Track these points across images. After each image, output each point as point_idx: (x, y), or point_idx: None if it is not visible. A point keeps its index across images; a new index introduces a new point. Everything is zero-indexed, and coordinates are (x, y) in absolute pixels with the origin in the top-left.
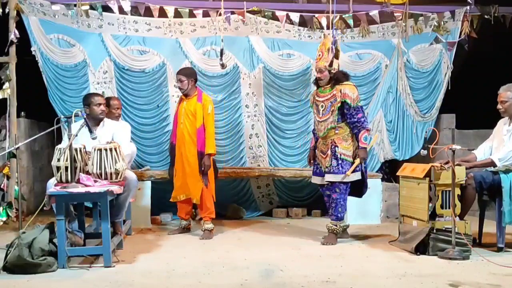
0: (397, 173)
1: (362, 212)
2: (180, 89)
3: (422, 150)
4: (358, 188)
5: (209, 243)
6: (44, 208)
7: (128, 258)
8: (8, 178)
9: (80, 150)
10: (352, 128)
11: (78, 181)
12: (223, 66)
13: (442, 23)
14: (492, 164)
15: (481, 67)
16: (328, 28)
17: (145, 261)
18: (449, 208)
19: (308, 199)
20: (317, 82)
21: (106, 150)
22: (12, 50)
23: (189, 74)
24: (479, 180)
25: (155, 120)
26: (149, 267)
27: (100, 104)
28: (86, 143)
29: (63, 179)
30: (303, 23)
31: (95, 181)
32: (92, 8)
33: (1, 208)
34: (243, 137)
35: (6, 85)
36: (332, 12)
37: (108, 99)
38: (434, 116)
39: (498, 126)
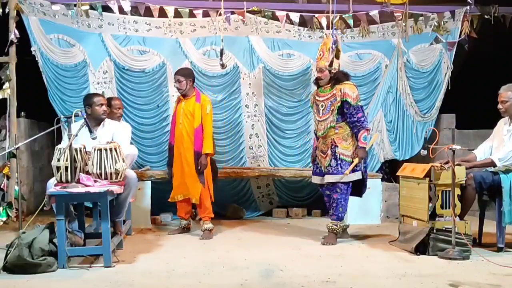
0: (397, 173)
1: (362, 212)
2: (178, 89)
3: (422, 150)
4: (358, 188)
5: (209, 243)
6: (44, 208)
7: (128, 258)
8: (8, 178)
9: (80, 150)
10: (352, 127)
11: (78, 181)
12: (223, 66)
13: (442, 23)
14: (492, 164)
15: (481, 67)
16: (328, 28)
17: (145, 261)
18: (449, 208)
19: (308, 199)
20: (317, 82)
21: (106, 150)
22: (12, 50)
23: (187, 74)
24: (479, 181)
25: (155, 120)
26: (149, 267)
27: (102, 105)
28: (86, 143)
29: (63, 179)
30: (303, 23)
31: (95, 181)
32: (92, 8)
33: (1, 208)
34: (243, 137)
35: (6, 85)
36: (332, 12)
37: (109, 99)
38: (434, 116)
39: (498, 126)
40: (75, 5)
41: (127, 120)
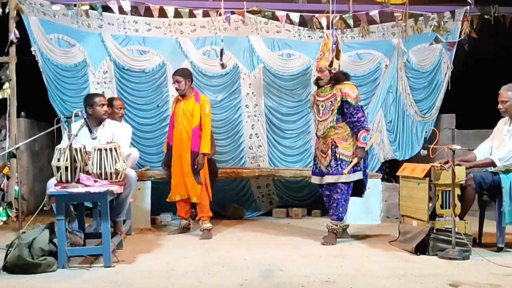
0: (397, 173)
1: (362, 212)
2: (177, 89)
3: (422, 150)
4: (359, 188)
5: (209, 243)
6: (44, 208)
7: (128, 258)
8: (8, 178)
9: (80, 150)
10: (352, 127)
11: (78, 181)
12: (223, 66)
13: (442, 23)
14: (492, 164)
15: (481, 67)
16: (328, 28)
17: (145, 261)
18: (449, 208)
19: (308, 199)
20: (317, 82)
21: (106, 150)
22: (12, 50)
23: (185, 74)
24: (478, 181)
25: (155, 120)
26: (149, 267)
27: (103, 105)
28: (86, 143)
29: (63, 179)
30: (303, 23)
31: (95, 181)
32: (92, 8)
33: (1, 208)
34: (243, 137)
35: (6, 85)
36: (332, 12)
37: (111, 100)
38: (434, 116)
39: (498, 126)
40: (75, 5)
41: (127, 120)
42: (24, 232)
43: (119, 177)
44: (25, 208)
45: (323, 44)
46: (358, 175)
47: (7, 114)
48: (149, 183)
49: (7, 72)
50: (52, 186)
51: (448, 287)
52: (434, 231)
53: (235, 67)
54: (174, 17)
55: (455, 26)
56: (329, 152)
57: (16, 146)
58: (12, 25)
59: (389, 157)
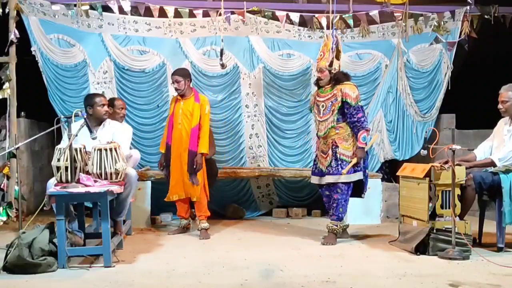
0: (397, 173)
1: (362, 212)
2: (176, 89)
3: (422, 150)
4: (358, 189)
5: (209, 243)
6: (44, 208)
7: (128, 258)
8: (8, 178)
9: (80, 150)
10: (352, 127)
11: (78, 181)
12: (223, 66)
13: (442, 23)
14: (492, 164)
15: (481, 67)
16: (328, 28)
17: (145, 261)
18: (449, 208)
19: (308, 199)
20: (318, 82)
21: (106, 150)
22: (12, 50)
23: (185, 74)
24: (478, 181)
25: (155, 120)
26: (149, 267)
27: (104, 105)
28: (86, 143)
29: (63, 179)
30: (303, 23)
31: (95, 181)
32: (92, 8)
33: (1, 208)
34: (243, 137)
35: (6, 85)
36: (332, 12)
37: (112, 100)
38: (434, 116)
39: (498, 126)
40: (75, 5)
41: (127, 120)
42: (24, 232)
43: (119, 177)
44: (25, 208)
45: (323, 45)
46: (358, 175)
47: (7, 114)
48: (149, 183)
49: (7, 72)
50: (52, 186)
51: (448, 287)
52: (434, 231)
53: (235, 67)
54: (174, 17)
55: (455, 26)
56: (330, 152)
57: (16, 146)
58: (12, 25)
59: (389, 157)
